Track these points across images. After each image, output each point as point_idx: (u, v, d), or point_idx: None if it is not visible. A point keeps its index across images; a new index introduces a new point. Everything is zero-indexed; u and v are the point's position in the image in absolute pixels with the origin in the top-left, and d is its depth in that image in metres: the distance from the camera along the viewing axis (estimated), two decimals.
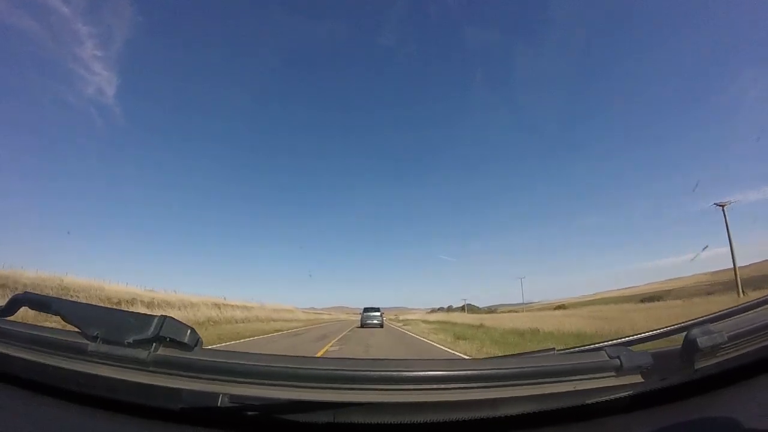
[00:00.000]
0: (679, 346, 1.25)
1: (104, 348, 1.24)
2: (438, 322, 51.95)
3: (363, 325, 35.18)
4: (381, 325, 35.76)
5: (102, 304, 1.93)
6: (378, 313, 37.03)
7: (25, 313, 1.47)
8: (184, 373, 1.22)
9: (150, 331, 1.22)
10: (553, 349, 1.49)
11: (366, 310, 37.96)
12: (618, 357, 1.20)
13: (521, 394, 1.17)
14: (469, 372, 1.18)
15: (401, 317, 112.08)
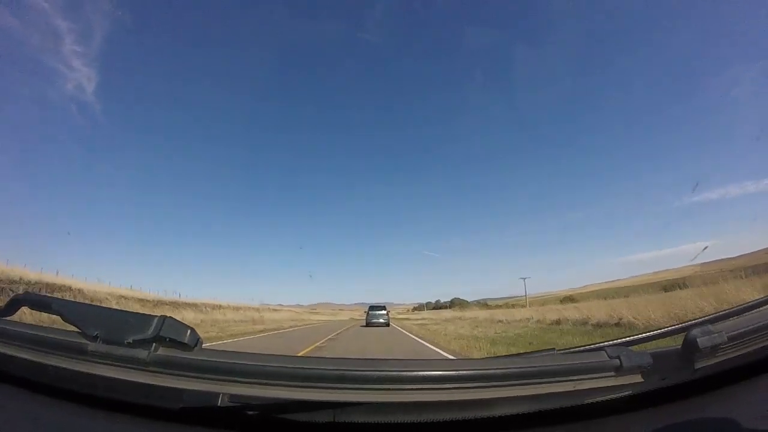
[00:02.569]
0: (679, 346, 1.25)
1: (104, 348, 1.23)
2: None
3: (368, 324, 34.12)
4: (387, 324, 34.34)
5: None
6: (384, 312, 35.90)
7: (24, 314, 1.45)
8: (184, 373, 1.22)
9: (150, 331, 1.22)
10: (554, 349, 1.49)
11: (371, 308, 36.94)
12: (618, 357, 1.20)
13: (521, 394, 1.17)
14: (469, 372, 1.18)
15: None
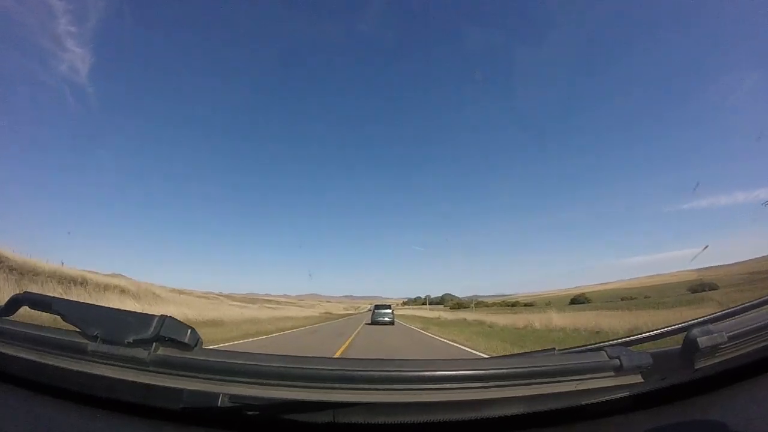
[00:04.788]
0: (679, 347, 1.25)
1: (104, 348, 1.24)
2: None
3: (374, 322, 35.23)
4: (392, 323, 35.64)
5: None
6: (389, 311, 37.33)
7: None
8: (184, 373, 1.22)
9: (150, 331, 1.22)
10: (554, 349, 1.49)
11: (377, 307, 38.56)
12: (618, 357, 1.20)
13: (521, 394, 1.17)
14: (469, 372, 1.18)
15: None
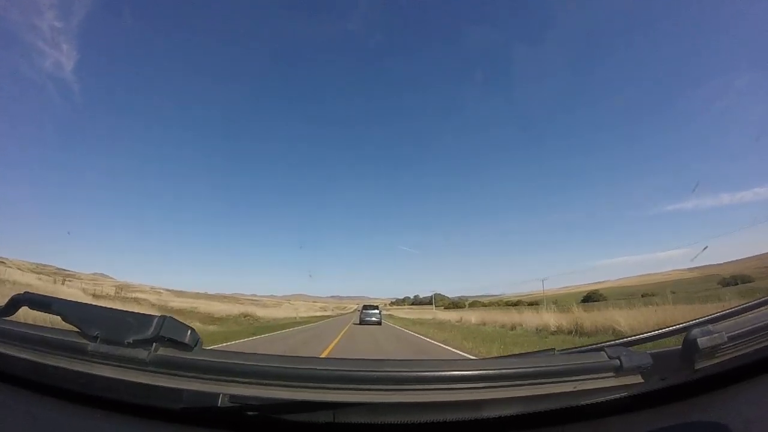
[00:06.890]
0: (679, 347, 1.25)
1: (104, 348, 1.24)
2: None
3: (362, 322, 36.61)
4: (379, 323, 37.03)
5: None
6: (377, 311, 39.08)
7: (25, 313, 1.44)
8: (184, 373, 1.22)
9: (150, 331, 1.22)
10: (554, 349, 1.50)
11: (365, 307, 40.56)
12: (618, 357, 1.20)
13: (521, 395, 1.17)
14: (468, 372, 1.18)
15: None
